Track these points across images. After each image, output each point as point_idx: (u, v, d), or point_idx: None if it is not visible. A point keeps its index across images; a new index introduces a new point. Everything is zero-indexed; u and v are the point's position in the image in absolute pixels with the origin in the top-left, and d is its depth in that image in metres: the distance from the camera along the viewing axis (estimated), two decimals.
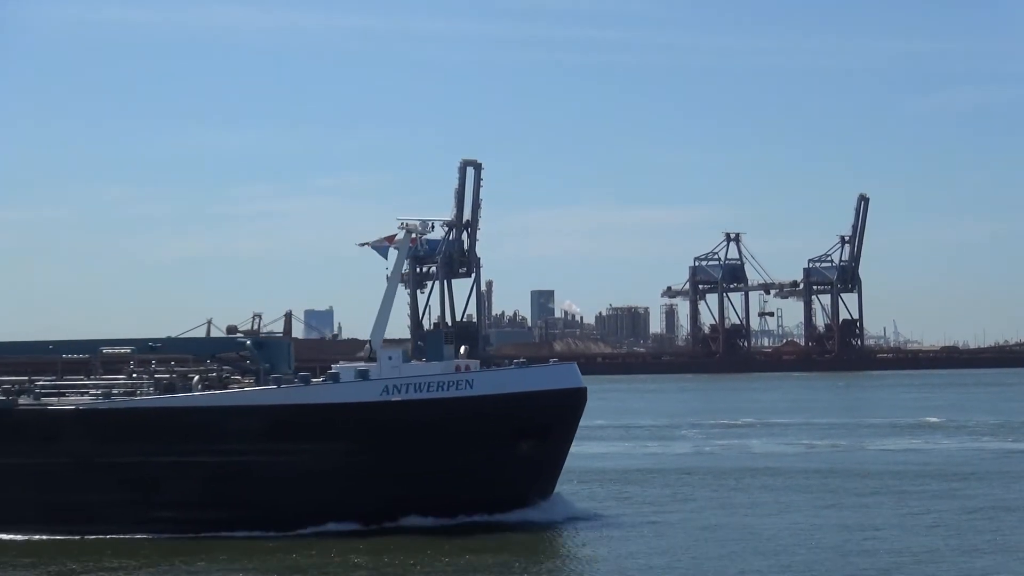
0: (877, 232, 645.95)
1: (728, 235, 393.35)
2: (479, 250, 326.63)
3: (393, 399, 65.89)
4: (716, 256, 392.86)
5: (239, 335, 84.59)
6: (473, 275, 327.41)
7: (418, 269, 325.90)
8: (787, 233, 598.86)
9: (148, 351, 74.92)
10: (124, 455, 67.11)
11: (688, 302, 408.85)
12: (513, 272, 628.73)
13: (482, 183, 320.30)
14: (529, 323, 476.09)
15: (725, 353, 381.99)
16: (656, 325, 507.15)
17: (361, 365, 70.28)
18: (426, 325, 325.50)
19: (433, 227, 73.26)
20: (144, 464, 66.97)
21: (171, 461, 66.59)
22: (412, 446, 66.00)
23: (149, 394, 69.74)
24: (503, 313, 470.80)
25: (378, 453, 65.84)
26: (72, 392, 72.34)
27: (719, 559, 57.02)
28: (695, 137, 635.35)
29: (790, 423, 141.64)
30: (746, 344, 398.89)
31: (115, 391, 70.47)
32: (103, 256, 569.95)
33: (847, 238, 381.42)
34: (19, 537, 67.02)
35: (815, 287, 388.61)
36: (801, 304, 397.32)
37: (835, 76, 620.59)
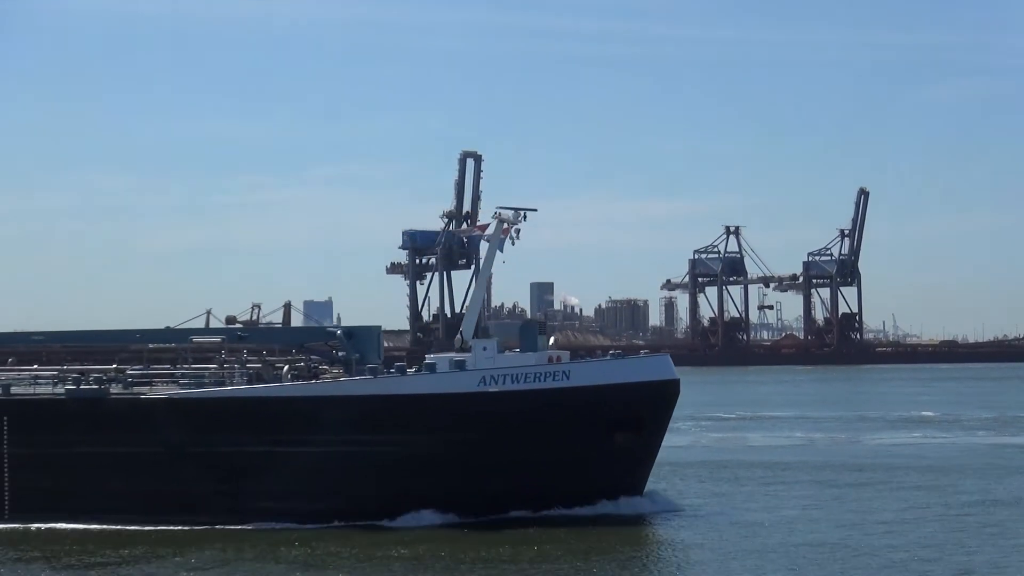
0: (877, 226, 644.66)
1: (728, 228, 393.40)
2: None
3: (490, 390, 65.46)
4: (715, 249, 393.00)
5: (330, 325, 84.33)
6: (472, 267, 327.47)
7: (417, 260, 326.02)
8: (787, 227, 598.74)
9: (237, 340, 74.74)
10: (218, 445, 66.77)
11: (687, 295, 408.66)
12: (512, 264, 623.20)
13: (482, 175, 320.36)
14: (528, 315, 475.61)
15: (724, 346, 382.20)
16: (655, 318, 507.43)
17: (455, 355, 69.82)
18: (425, 316, 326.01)
19: (526, 217, 72.15)
20: (238, 454, 66.54)
21: (265, 451, 66.22)
22: (508, 437, 65.39)
23: (239, 384, 69.42)
24: (502, 305, 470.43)
25: (474, 444, 65.26)
26: (162, 381, 72.11)
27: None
28: (695, 130, 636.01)
29: (787, 416, 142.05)
30: (745, 337, 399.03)
31: (206, 380, 70.12)
32: (101, 245, 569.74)
33: (847, 232, 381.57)
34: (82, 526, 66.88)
35: (814, 281, 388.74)
36: (800, 298, 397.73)
37: (835, 69, 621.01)
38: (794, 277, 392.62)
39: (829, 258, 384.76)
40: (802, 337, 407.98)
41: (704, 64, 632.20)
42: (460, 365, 67.55)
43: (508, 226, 71.17)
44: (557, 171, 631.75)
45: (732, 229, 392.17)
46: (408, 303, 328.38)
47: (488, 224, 72.26)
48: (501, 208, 71.31)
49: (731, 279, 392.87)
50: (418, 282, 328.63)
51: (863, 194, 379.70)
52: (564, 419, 65.69)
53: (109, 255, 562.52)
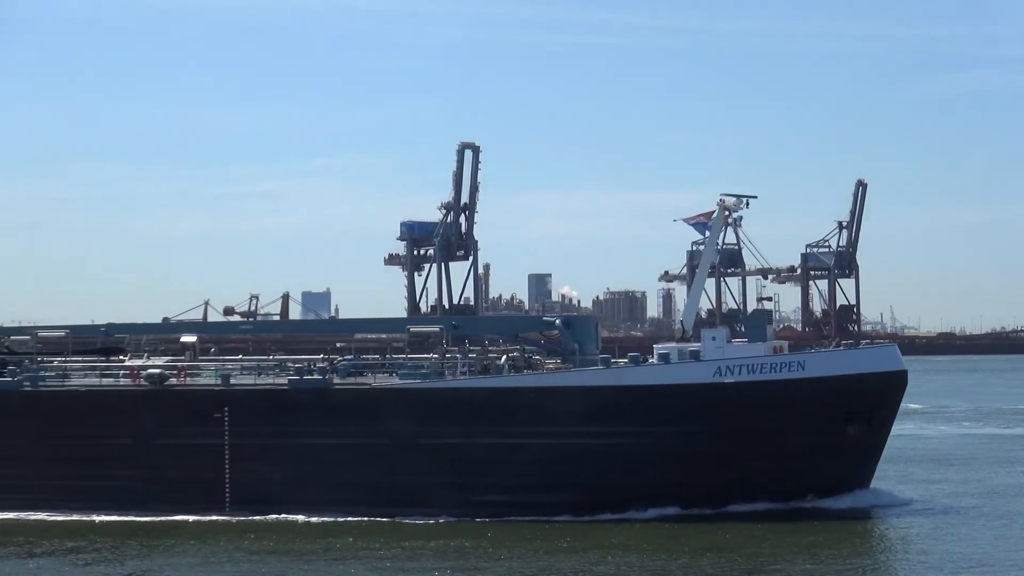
0: (875, 218, 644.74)
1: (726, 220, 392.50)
2: (477, 233, 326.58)
3: (726, 381, 65.21)
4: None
5: (547, 315, 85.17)
6: (471, 258, 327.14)
7: (415, 252, 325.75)
8: (785, 218, 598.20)
9: (451, 329, 74.57)
10: (447, 436, 66.26)
11: (685, 287, 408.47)
12: (510, 255, 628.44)
13: (480, 166, 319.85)
14: (526, 306, 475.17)
15: None
16: (653, 309, 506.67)
17: (686, 345, 69.12)
18: (423, 308, 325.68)
19: (748, 204, 72.29)
20: (467, 446, 66.03)
21: (494, 443, 65.65)
22: (743, 429, 64.73)
23: (460, 374, 68.72)
24: (500, 296, 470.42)
25: (708, 436, 64.63)
26: (377, 372, 71.43)
27: None
28: (693, 121, 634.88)
29: None
30: (743, 329, 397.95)
31: (426, 370, 69.44)
32: (102, 235, 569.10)
33: (845, 223, 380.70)
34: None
35: (812, 272, 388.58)
36: (798, 289, 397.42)
37: (834, 61, 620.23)
38: (792, 269, 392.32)
39: (827, 250, 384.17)
40: (800, 329, 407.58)
41: (701, 55, 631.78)
42: (695, 355, 66.64)
43: (729, 213, 71.53)
44: (556, 162, 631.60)
45: (730, 220, 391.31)
46: (406, 294, 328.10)
47: (712, 212, 72.77)
48: (724, 195, 71.70)
49: (729, 271, 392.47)
50: (416, 273, 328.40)
51: (861, 186, 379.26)
52: (798, 410, 64.82)
53: (109, 245, 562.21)
